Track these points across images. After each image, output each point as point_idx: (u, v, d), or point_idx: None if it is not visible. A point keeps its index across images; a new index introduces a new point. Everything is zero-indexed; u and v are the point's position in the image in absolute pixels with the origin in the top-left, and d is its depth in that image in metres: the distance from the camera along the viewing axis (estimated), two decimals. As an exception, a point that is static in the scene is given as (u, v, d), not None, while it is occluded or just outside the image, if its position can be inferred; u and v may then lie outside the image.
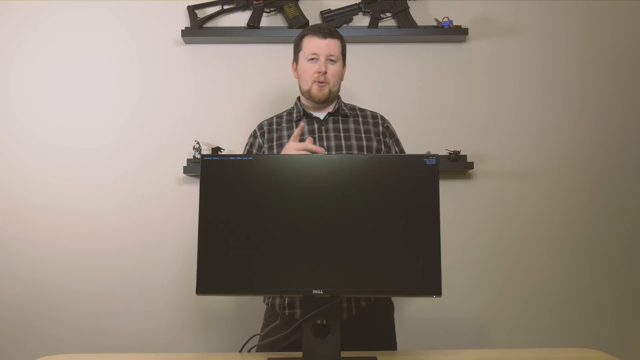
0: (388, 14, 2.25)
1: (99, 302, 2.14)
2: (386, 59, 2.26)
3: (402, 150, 1.73)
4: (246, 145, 1.71)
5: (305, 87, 1.63)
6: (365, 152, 1.60)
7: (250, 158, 1.24)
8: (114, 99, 2.23)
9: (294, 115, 1.67)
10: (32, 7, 2.24)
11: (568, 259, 2.21)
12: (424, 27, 2.22)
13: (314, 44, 1.60)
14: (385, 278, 1.17)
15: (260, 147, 1.66)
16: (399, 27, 2.23)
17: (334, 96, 1.65)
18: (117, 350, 2.12)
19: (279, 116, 1.71)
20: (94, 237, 2.17)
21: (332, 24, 2.21)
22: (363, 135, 1.63)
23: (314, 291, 1.17)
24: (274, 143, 1.63)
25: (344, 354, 1.23)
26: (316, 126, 1.63)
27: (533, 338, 2.17)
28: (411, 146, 2.19)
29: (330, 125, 1.63)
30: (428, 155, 1.22)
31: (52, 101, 2.22)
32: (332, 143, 1.60)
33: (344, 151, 1.58)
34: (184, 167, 2.14)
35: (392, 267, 1.17)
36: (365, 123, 1.67)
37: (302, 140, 1.54)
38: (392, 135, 1.71)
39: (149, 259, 2.17)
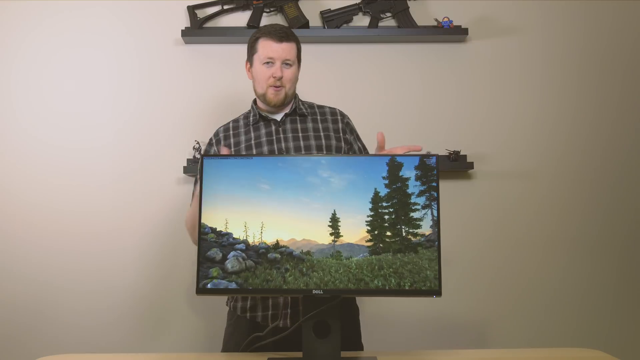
0: (388, 14, 2.25)
1: (99, 302, 2.14)
2: (386, 59, 2.26)
3: (363, 146, 1.70)
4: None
5: (260, 91, 1.60)
6: (324, 152, 1.57)
7: (251, 158, 1.25)
8: (114, 98, 2.23)
9: (251, 118, 1.65)
10: (32, 7, 2.24)
11: (568, 259, 2.21)
12: (424, 27, 2.22)
13: (269, 48, 1.57)
14: (385, 278, 1.18)
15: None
16: (399, 27, 2.23)
17: (289, 99, 1.63)
18: (117, 350, 2.12)
19: (235, 120, 1.69)
20: (94, 237, 2.17)
21: (332, 24, 2.21)
22: (322, 134, 1.61)
23: (314, 291, 1.18)
24: (232, 149, 1.61)
25: (344, 354, 1.23)
26: (273, 128, 1.61)
27: (533, 338, 2.17)
28: (411, 146, 2.19)
29: (288, 126, 1.61)
30: (428, 155, 1.22)
31: (52, 101, 2.22)
32: (291, 144, 1.58)
33: (302, 152, 1.56)
34: (184, 167, 2.14)
35: (392, 267, 1.18)
36: (324, 121, 1.64)
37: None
38: (352, 131, 1.69)
39: (149, 259, 2.17)
